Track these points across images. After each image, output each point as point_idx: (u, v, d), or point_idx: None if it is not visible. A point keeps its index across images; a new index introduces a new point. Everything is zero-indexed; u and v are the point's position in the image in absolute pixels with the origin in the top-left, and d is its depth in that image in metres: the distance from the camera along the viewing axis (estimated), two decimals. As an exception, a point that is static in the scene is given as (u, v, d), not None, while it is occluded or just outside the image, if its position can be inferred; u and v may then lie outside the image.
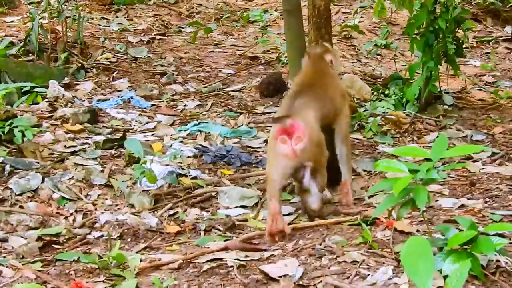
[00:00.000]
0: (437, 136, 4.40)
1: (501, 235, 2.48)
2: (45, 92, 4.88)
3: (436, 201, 3.29)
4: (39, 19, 6.25)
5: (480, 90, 5.59)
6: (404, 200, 2.43)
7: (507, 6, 7.69)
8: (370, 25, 7.44)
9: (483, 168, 3.88)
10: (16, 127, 3.88)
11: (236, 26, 7.36)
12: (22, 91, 4.46)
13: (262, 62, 6.33)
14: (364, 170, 3.90)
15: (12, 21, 7.24)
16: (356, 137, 4.44)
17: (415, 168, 2.41)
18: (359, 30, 6.76)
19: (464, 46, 5.46)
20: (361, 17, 7.65)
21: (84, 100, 5.13)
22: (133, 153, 3.77)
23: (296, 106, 3.09)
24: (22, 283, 2.55)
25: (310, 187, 3.12)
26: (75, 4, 6.88)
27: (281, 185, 3.10)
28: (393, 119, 4.67)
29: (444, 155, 2.45)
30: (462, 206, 3.24)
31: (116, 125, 4.61)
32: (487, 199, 3.35)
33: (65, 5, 6.51)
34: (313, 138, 3.02)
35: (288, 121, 2.95)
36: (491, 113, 5.02)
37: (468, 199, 3.36)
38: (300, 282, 2.42)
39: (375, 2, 6.80)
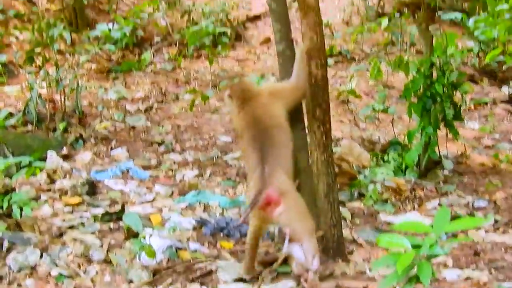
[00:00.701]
0: (439, 204, 4.44)
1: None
2: (43, 164, 4.90)
3: (440, 273, 3.26)
4: (38, 88, 6.32)
5: (480, 154, 5.61)
6: (407, 276, 2.41)
7: (503, 67, 7.80)
8: (366, 88, 7.50)
9: (486, 237, 3.86)
10: (15, 202, 3.89)
11: (234, 92, 7.42)
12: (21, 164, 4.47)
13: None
14: (366, 240, 3.87)
15: (11, 91, 7.32)
16: (357, 206, 4.44)
17: (418, 243, 2.39)
18: (356, 95, 6.82)
19: (462, 109, 5.53)
20: (358, 79, 7.74)
21: (82, 171, 5.12)
22: (132, 227, 3.77)
23: (266, 173, 3.06)
24: None
25: (291, 253, 3.14)
26: (74, 73, 6.95)
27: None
28: (393, 186, 4.66)
29: (447, 229, 2.43)
30: (467, 278, 3.20)
31: (115, 197, 4.59)
32: (492, 270, 3.30)
33: (64, 74, 6.59)
34: (290, 203, 3.06)
35: (263, 196, 2.97)
36: (492, 178, 5.02)
37: (473, 270, 3.33)
38: None
39: (371, 64, 6.94)
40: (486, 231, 3.95)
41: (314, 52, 3.44)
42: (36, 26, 7.63)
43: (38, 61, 6.86)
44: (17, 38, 8.81)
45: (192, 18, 9.50)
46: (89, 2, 9.78)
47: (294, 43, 3.60)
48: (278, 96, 3.40)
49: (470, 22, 7.96)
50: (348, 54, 8.80)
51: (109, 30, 8.88)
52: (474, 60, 7.97)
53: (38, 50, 6.74)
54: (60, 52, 8.17)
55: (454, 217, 3.89)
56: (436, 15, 9.03)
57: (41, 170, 4.77)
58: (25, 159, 4.27)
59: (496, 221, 4.13)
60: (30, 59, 6.85)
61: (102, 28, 8.93)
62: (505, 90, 7.45)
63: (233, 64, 8.61)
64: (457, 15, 8.74)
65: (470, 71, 7.89)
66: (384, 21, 8.92)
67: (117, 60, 8.63)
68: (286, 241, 3.03)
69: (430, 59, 5.02)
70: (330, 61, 7.80)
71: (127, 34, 8.86)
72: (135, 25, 9.10)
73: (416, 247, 2.35)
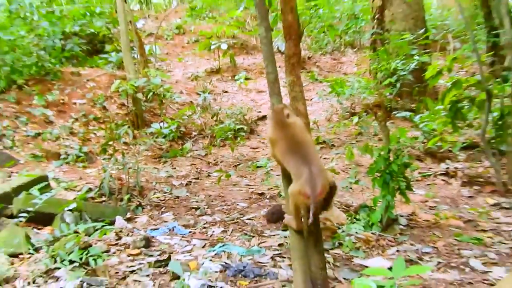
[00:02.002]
0: (397, 250, 4.43)
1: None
2: (112, 226, 4.97)
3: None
4: (110, 170, 6.44)
5: (425, 213, 5.60)
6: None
7: (441, 149, 7.87)
8: (343, 167, 7.57)
9: (432, 275, 3.84)
10: (91, 255, 3.95)
11: (249, 170, 7.50)
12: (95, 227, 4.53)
13: (267, 197, 6.40)
14: (344, 278, 3.87)
15: (90, 172, 7.45)
16: (337, 252, 4.43)
17: (382, 284, 2.42)
18: (335, 172, 6.89)
19: (411, 181, 5.56)
20: (337, 160, 7.82)
21: (141, 230, 5.16)
22: (175, 272, 3.81)
23: (315, 171, 2.99)
24: None
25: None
26: (135, 159, 7.09)
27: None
28: (363, 238, 4.67)
29: (403, 274, 2.47)
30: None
31: (164, 248, 4.60)
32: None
33: (128, 159, 6.72)
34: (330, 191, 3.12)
35: (319, 189, 2.94)
36: (435, 231, 5.00)
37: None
38: None
39: (346, 149, 7.03)
40: (432, 271, 3.93)
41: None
42: (108, 126, 7.86)
43: (110, 151, 7.01)
44: (95, 134, 9.04)
45: (219, 118, 9.72)
46: (147, 108, 10.04)
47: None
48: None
49: (417, 118, 8.12)
50: (330, 142, 8.92)
51: (160, 127, 9.11)
52: (420, 145, 8.04)
53: (110, 143, 6.92)
54: (125, 143, 8.36)
55: (408, 261, 3.95)
56: (392, 113, 9.22)
57: (110, 231, 4.84)
58: (98, 224, 4.35)
59: (438, 263, 4.12)
60: (104, 150, 7.01)
61: (155, 126, 9.17)
62: (443, 166, 7.47)
63: (248, 150, 8.72)
64: (407, 113, 8.91)
65: (417, 152, 7.97)
66: (355, 119, 9.10)
67: (166, 149, 8.79)
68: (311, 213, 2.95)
69: (388, 146, 5.10)
70: (317, 148, 7.91)
71: (173, 130, 9.08)
72: (178, 124, 9.32)
73: (380, 287, 2.39)
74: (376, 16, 11.11)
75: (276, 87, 3.37)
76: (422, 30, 10.49)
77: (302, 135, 3.19)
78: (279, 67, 4.04)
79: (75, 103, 9.93)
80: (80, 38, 12.84)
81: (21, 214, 4.49)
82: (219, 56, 12.91)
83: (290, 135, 3.17)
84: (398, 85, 10.04)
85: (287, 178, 3.25)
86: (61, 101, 9.88)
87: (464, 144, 7.90)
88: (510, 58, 6.46)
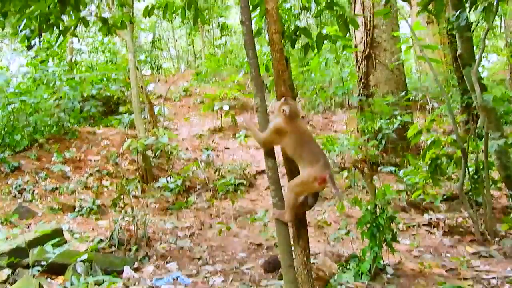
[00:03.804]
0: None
1: None
2: (119, 279, 4.89)
3: None
4: (120, 222, 6.42)
5: (411, 262, 5.53)
6: None
7: (424, 202, 7.86)
8: (335, 218, 7.54)
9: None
10: (100, 304, 3.90)
11: (248, 222, 7.46)
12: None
13: (265, 247, 6.33)
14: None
15: (102, 224, 7.42)
16: (329, 301, 4.37)
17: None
18: (327, 223, 6.87)
19: (397, 231, 5.53)
20: (329, 212, 7.80)
21: (147, 279, 5.09)
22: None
23: (326, 161, 3.18)
24: None
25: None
26: (144, 211, 7.08)
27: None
28: (353, 287, 4.61)
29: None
30: None
31: (168, 298, 4.55)
32: None
33: (137, 212, 6.71)
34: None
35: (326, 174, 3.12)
36: (419, 279, 4.94)
37: None
38: None
39: (337, 202, 7.03)
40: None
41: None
42: (120, 181, 7.90)
43: (121, 204, 7.02)
44: (107, 188, 9.05)
45: (221, 173, 9.74)
46: (155, 164, 10.11)
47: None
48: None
49: (401, 173, 8.16)
50: (322, 194, 8.90)
51: (167, 182, 9.12)
52: (404, 197, 8.03)
53: (120, 197, 6.93)
54: (135, 197, 8.37)
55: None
56: (378, 168, 9.27)
57: (118, 282, 4.76)
58: (107, 277, 4.30)
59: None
60: (115, 204, 7.02)
61: (163, 181, 9.18)
62: (426, 217, 7.44)
63: (248, 203, 8.69)
64: (392, 168, 8.95)
65: (402, 204, 7.94)
66: (345, 173, 9.13)
67: (172, 201, 8.76)
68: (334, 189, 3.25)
69: (374, 201, 5.11)
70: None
71: (179, 185, 9.09)
72: (184, 178, 9.34)
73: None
74: (362, 80, 11.38)
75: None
76: (403, 93, 10.76)
77: (309, 132, 3.33)
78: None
79: (90, 160, 10.01)
80: (97, 100, 13.12)
81: (35, 267, 4.45)
82: (221, 116, 13.12)
83: (303, 128, 3.27)
84: (383, 142, 10.20)
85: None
86: (78, 158, 9.97)
87: (445, 196, 7.90)
88: (482, 119, 6.59)
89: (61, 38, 5.45)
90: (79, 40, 16.60)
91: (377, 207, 5.08)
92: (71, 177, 9.23)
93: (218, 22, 22.91)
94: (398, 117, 9.92)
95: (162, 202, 8.67)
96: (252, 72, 3.47)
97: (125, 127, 11.97)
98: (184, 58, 25.64)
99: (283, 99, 3.28)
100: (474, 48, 8.00)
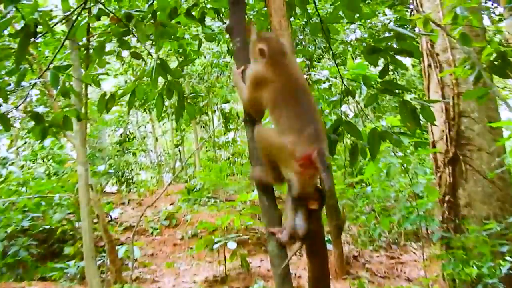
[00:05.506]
0: None
1: None
2: None
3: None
4: None
5: None
6: None
7: None
8: None
9: None
10: None
11: None
12: None
13: None
14: None
15: None
16: None
17: None
18: None
19: None
20: None
21: None
22: None
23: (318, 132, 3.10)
24: None
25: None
26: None
27: None
28: None
29: None
30: None
31: None
32: None
33: None
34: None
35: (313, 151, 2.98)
36: None
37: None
38: None
39: None
40: None
41: None
42: None
43: None
44: None
45: None
46: None
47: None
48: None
49: None
50: None
51: None
52: None
53: None
54: None
55: None
56: None
57: None
58: None
59: None
60: None
61: None
62: None
63: None
64: None
65: None
66: None
67: None
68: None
69: None
70: None
71: None
72: None
73: None
74: (446, 197, 11.08)
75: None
76: (513, 217, 10.38)
77: (303, 80, 3.33)
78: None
79: None
80: (31, 237, 12.99)
81: None
82: (225, 259, 12.79)
83: (292, 75, 3.27)
84: (488, 300, 9.67)
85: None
86: None
87: None
88: None
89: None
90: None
91: None
92: None
93: (222, 109, 23.02)
94: (507, 257, 9.49)
95: None
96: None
97: (72, 281, 11.67)
98: (169, 166, 25.99)
99: (257, 34, 3.41)
100: None
